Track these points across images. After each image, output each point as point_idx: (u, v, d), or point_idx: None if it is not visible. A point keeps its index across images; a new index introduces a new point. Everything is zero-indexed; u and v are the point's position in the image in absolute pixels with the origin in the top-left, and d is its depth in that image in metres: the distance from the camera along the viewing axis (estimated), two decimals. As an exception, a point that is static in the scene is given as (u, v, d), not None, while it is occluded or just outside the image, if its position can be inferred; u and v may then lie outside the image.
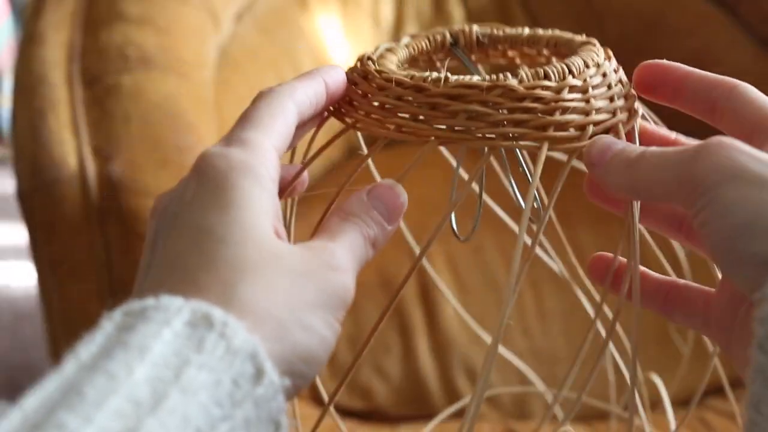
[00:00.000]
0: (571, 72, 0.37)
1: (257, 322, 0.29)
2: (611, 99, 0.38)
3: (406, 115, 0.37)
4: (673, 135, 0.40)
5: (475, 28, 0.44)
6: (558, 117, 0.36)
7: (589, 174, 0.39)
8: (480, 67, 0.45)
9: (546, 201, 0.38)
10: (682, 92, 0.38)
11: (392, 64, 0.40)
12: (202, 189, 0.32)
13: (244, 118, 0.35)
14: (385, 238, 0.36)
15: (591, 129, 0.36)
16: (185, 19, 0.90)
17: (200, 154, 0.33)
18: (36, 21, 0.85)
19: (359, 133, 0.41)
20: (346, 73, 0.40)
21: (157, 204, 0.34)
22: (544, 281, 0.89)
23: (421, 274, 0.88)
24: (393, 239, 0.37)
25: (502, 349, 0.64)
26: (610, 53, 0.40)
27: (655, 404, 0.59)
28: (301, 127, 0.38)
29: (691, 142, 0.37)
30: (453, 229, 0.43)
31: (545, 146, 0.36)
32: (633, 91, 0.39)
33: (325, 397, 0.42)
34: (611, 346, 0.43)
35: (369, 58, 0.40)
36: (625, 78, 0.40)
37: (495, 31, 0.44)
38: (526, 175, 0.41)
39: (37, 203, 0.77)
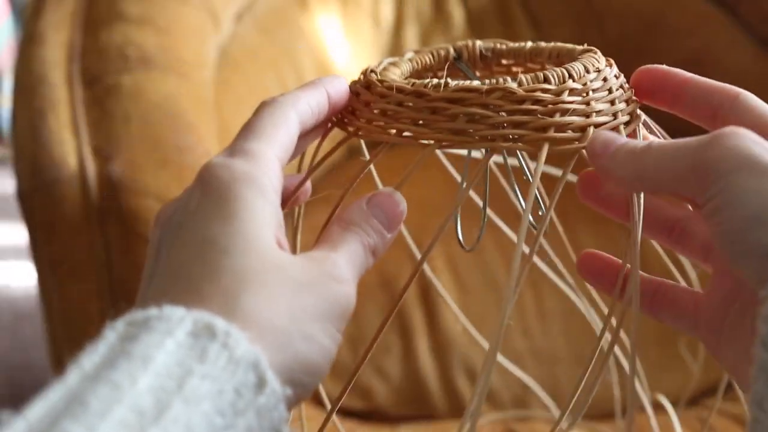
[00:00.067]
0: (571, 76, 0.37)
1: (259, 332, 0.30)
2: (612, 102, 0.38)
3: (407, 120, 0.37)
4: None
5: (479, 43, 0.44)
6: (558, 118, 0.36)
7: (581, 176, 0.39)
8: (486, 82, 0.45)
9: (547, 203, 0.38)
10: (681, 98, 0.38)
11: (395, 76, 0.41)
12: (206, 199, 0.32)
13: (247, 129, 0.35)
14: (385, 247, 0.36)
15: (591, 130, 0.36)
16: (185, 19, 0.90)
17: (204, 165, 0.34)
18: (36, 21, 0.85)
19: (374, 135, 0.41)
20: (350, 86, 0.40)
21: (160, 213, 0.35)
22: (544, 281, 0.89)
23: (421, 274, 0.88)
24: (394, 239, 0.37)
25: (502, 359, 0.64)
26: (612, 61, 0.40)
27: (655, 406, 0.59)
28: (303, 137, 0.38)
29: None
30: (459, 239, 0.43)
31: (545, 147, 0.36)
32: (634, 97, 0.39)
33: (326, 400, 0.42)
34: (615, 348, 0.43)
35: (372, 71, 0.40)
36: (626, 84, 0.40)
37: (498, 45, 0.44)
38: (529, 178, 0.41)
39: (37, 203, 0.77)
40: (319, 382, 0.32)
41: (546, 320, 0.89)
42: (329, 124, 0.40)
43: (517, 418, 0.85)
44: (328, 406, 0.40)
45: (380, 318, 0.85)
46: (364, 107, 0.39)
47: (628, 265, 0.38)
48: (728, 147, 0.31)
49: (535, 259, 0.45)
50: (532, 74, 0.37)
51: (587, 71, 0.38)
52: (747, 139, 0.31)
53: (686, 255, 0.40)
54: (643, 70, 0.39)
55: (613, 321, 0.38)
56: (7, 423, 0.25)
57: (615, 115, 0.38)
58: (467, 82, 0.37)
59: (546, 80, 0.36)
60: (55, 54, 0.83)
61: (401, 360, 0.87)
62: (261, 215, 0.32)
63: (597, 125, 0.37)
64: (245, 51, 0.99)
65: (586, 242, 0.89)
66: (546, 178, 0.37)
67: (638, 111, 0.40)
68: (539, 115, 0.36)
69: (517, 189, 0.42)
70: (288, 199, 0.38)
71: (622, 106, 0.38)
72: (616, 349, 0.43)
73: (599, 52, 0.40)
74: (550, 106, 0.36)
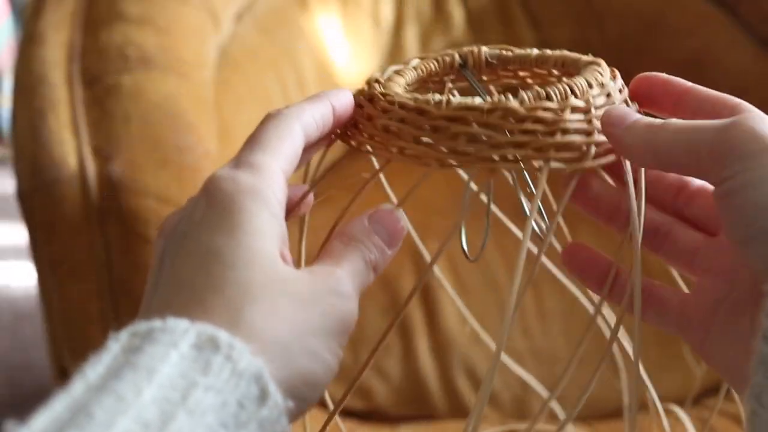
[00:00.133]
0: (573, 93, 0.37)
1: (262, 346, 0.30)
2: None
3: (409, 138, 0.37)
4: None
5: (484, 49, 0.44)
6: (559, 138, 0.36)
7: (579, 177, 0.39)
8: (492, 87, 0.45)
9: (552, 216, 0.38)
10: (682, 107, 0.38)
11: (399, 87, 0.40)
12: (211, 211, 0.33)
13: (253, 141, 0.35)
14: (385, 263, 0.37)
15: (593, 150, 0.36)
16: (185, 19, 0.90)
17: (209, 177, 0.34)
18: (36, 21, 0.85)
19: (375, 152, 0.41)
20: (354, 96, 0.40)
21: (165, 223, 0.35)
22: (544, 281, 0.89)
23: (421, 275, 0.88)
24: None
25: (504, 358, 0.64)
26: (616, 72, 0.40)
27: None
28: (308, 150, 0.38)
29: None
30: (463, 249, 0.43)
31: (546, 168, 0.36)
32: (639, 111, 0.39)
33: (329, 401, 0.42)
34: (616, 348, 0.43)
35: (376, 81, 0.40)
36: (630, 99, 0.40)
37: (504, 52, 0.44)
38: (533, 190, 0.41)
39: (37, 203, 0.77)
40: (319, 396, 0.33)
41: (546, 320, 0.89)
42: (332, 137, 0.40)
43: (517, 419, 0.85)
44: (331, 407, 0.40)
45: (381, 318, 0.86)
46: (367, 121, 0.39)
47: (626, 265, 0.38)
48: (748, 130, 0.32)
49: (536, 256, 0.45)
50: (534, 91, 0.37)
51: (590, 86, 0.38)
52: (766, 123, 0.32)
53: (668, 260, 0.40)
54: (642, 78, 0.39)
55: (610, 316, 0.38)
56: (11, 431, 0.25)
57: None
58: (469, 100, 0.37)
59: (548, 97, 0.36)
60: (55, 54, 0.83)
61: (401, 360, 0.87)
62: (265, 228, 0.32)
63: (598, 144, 0.37)
64: (245, 51, 0.99)
65: (587, 242, 0.89)
66: (551, 182, 0.37)
67: None
68: (540, 135, 0.36)
69: (523, 199, 0.42)
70: (291, 211, 0.39)
71: None
72: (627, 346, 0.43)
73: (604, 64, 0.40)
74: (551, 125, 0.36)
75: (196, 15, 0.92)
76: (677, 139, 0.34)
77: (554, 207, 0.38)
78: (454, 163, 0.36)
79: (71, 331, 0.79)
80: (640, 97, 0.39)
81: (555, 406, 0.58)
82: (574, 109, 0.37)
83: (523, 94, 0.37)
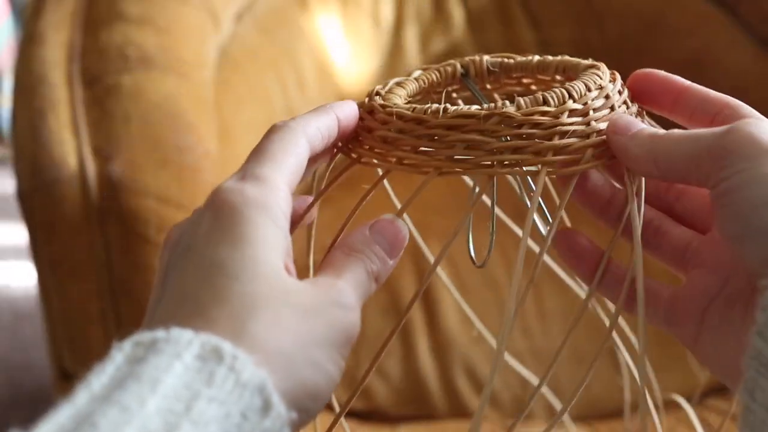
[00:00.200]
0: (571, 96, 0.37)
1: (266, 357, 0.30)
2: None
3: (408, 148, 0.37)
4: None
5: (486, 58, 0.45)
6: (556, 141, 0.36)
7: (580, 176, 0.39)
8: (496, 95, 0.45)
9: (553, 217, 0.38)
10: (680, 105, 0.38)
11: (399, 99, 0.41)
12: (216, 223, 0.33)
13: (258, 153, 0.36)
14: (387, 273, 0.37)
15: (590, 152, 0.37)
16: (185, 19, 0.90)
17: (215, 189, 0.34)
18: (36, 21, 0.85)
19: (375, 163, 0.41)
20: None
21: (170, 235, 0.35)
22: (544, 281, 0.89)
23: (421, 275, 0.89)
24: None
25: (505, 357, 0.64)
26: (617, 74, 0.40)
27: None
28: (312, 162, 0.38)
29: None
30: (471, 255, 0.43)
31: (543, 171, 0.36)
32: (639, 109, 0.39)
33: (335, 402, 0.42)
34: (619, 346, 0.43)
35: (377, 93, 0.41)
36: (630, 100, 0.40)
37: (505, 60, 0.44)
38: (532, 187, 0.41)
39: (37, 203, 0.77)
40: (322, 407, 0.33)
41: (546, 320, 0.89)
42: (335, 149, 0.40)
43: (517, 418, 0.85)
44: (337, 409, 0.40)
45: (381, 318, 0.86)
46: (367, 133, 0.39)
47: (618, 257, 0.38)
48: (747, 134, 0.32)
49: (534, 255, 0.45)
50: (531, 97, 0.37)
51: (589, 89, 0.38)
52: (765, 128, 0.32)
53: (658, 255, 0.41)
54: (641, 74, 0.40)
55: (596, 303, 0.38)
56: None
57: None
58: (466, 107, 0.37)
59: (545, 102, 0.37)
60: (55, 54, 0.83)
61: (401, 360, 0.87)
62: (270, 241, 0.33)
63: (596, 146, 0.37)
64: (245, 51, 0.99)
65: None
66: (552, 179, 0.37)
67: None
68: (537, 140, 0.36)
69: (525, 197, 0.42)
70: (296, 223, 0.39)
71: None
72: (622, 350, 0.43)
73: (604, 66, 0.40)
74: (548, 129, 0.36)
75: (196, 15, 0.92)
76: (677, 148, 0.35)
77: (556, 203, 0.38)
78: (453, 170, 0.37)
79: (71, 331, 0.79)
80: (639, 94, 0.40)
81: (553, 400, 0.58)
82: (572, 112, 0.37)
83: (519, 99, 0.37)
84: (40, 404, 1.28)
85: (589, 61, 0.41)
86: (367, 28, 1.17)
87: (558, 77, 0.43)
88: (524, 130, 0.36)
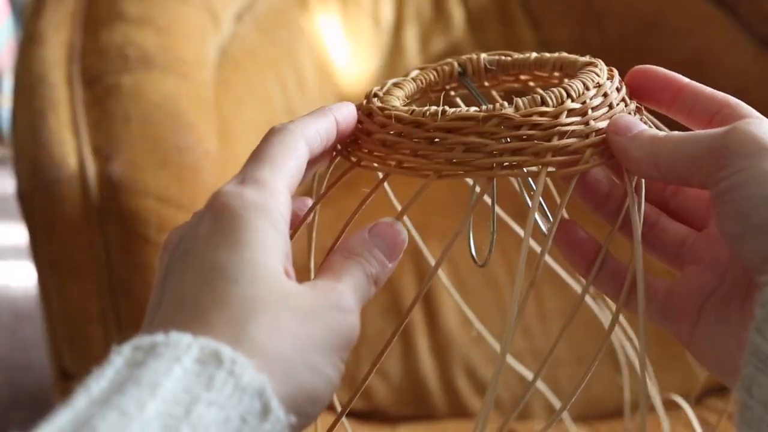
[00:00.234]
0: (569, 96, 0.37)
1: (265, 361, 0.30)
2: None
3: (407, 151, 0.37)
4: None
5: (483, 56, 0.44)
6: (555, 142, 0.36)
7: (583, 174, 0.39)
8: (495, 93, 0.45)
9: (554, 217, 0.38)
10: (678, 102, 0.38)
11: (397, 100, 0.41)
12: (216, 227, 0.33)
13: (257, 156, 0.36)
14: (386, 276, 0.37)
15: (589, 152, 0.37)
16: (185, 19, 0.90)
17: (215, 192, 0.34)
18: (36, 21, 0.85)
19: (375, 166, 0.41)
20: None
21: (169, 238, 0.35)
22: (544, 281, 0.89)
23: (421, 275, 0.89)
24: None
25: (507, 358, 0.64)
26: (615, 71, 0.40)
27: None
28: (311, 164, 0.38)
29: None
30: (472, 254, 0.43)
31: (543, 172, 0.36)
32: (637, 106, 0.39)
33: (336, 402, 0.42)
34: (618, 346, 0.43)
35: (375, 95, 0.40)
36: (628, 98, 0.40)
37: (503, 58, 0.44)
38: (532, 186, 0.41)
39: (37, 203, 0.77)
40: (320, 411, 0.33)
41: (546, 320, 0.89)
42: (334, 152, 0.40)
43: (517, 418, 0.85)
44: (338, 409, 0.40)
45: (381, 318, 0.86)
46: (366, 136, 0.39)
47: (615, 252, 0.38)
48: (747, 133, 0.32)
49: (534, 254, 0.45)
50: (530, 97, 0.37)
51: (587, 88, 0.38)
52: (766, 127, 0.33)
53: (653, 251, 0.40)
54: (640, 70, 0.40)
55: (596, 301, 0.38)
56: None
57: None
58: (464, 110, 0.37)
59: (543, 102, 0.37)
60: (55, 54, 0.83)
61: (401, 360, 0.87)
62: (270, 244, 0.33)
63: (596, 145, 0.37)
64: (245, 51, 0.99)
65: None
66: (553, 177, 0.37)
67: (644, 120, 0.39)
68: (536, 141, 0.36)
69: (526, 196, 0.42)
70: (296, 226, 0.39)
71: None
72: (624, 345, 0.43)
73: (601, 63, 0.40)
74: (547, 129, 0.36)
75: (196, 15, 0.92)
76: (677, 149, 0.35)
77: (556, 199, 0.38)
78: (453, 173, 0.36)
79: (71, 331, 0.79)
80: (637, 90, 0.40)
81: (553, 399, 0.58)
82: (570, 112, 0.37)
83: (518, 100, 0.37)
84: (40, 404, 1.28)
85: (587, 58, 0.41)
86: (367, 28, 1.17)
87: (556, 74, 0.43)
88: (523, 131, 0.36)
